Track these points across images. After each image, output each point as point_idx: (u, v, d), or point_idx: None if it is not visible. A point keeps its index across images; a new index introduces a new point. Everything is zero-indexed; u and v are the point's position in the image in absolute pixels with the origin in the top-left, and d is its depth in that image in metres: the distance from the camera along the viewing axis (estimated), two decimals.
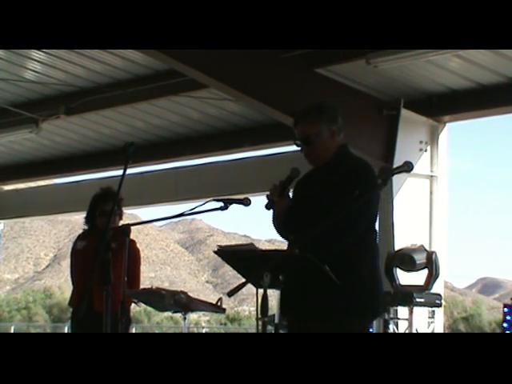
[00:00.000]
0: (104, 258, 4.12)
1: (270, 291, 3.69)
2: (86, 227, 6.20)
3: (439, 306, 8.69)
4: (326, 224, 3.63)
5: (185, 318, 5.34)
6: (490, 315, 37.28)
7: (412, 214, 9.38)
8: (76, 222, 68.98)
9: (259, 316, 3.66)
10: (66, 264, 70.61)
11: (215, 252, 4.06)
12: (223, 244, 4.49)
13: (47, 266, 72.84)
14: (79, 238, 6.28)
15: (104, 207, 6.00)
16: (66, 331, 25.52)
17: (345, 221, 3.71)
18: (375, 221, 4.07)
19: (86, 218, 6.19)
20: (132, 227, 4.52)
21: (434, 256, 8.44)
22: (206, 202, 4.38)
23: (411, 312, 8.52)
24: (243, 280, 3.72)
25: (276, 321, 3.70)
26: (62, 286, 55.95)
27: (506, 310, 7.88)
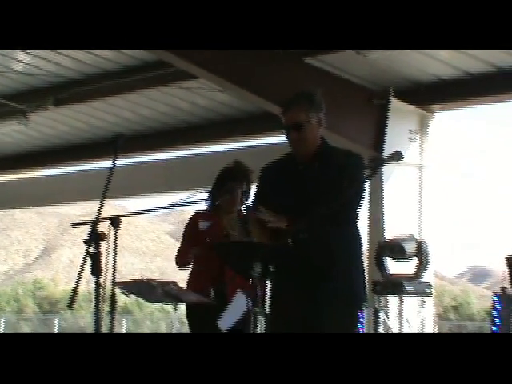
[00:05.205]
0: (95, 249, 4.09)
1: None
2: (207, 205, 5.37)
3: (429, 294, 8.72)
4: (320, 214, 3.66)
5: (175, 309, 5.33)
6: (479, 304, 37.42)
7: (402, 204, 9.40)
8: (66, 213, 68.81)
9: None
10: (56, 256, 70.45)
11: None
12: None
13: (37, 258, 72.69)
14: (199, 216, 5.48)
15: (232, 184, 5.32)
16: (56, 323, 25.48)
17: (340, 211, 3.75)
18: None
19: (210, 194, 5.33)
20: (122, 218, 4.49)
21: (423, 245, 8.46)
22: (197, 193, 4.38)
23: (401, 301, 8.55)
24: None
25: (267, 311, 3.70)
26: (52, 278, 55.83)
27: (495, 298, 7.92)
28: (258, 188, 4.22)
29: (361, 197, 3.97)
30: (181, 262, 5.63)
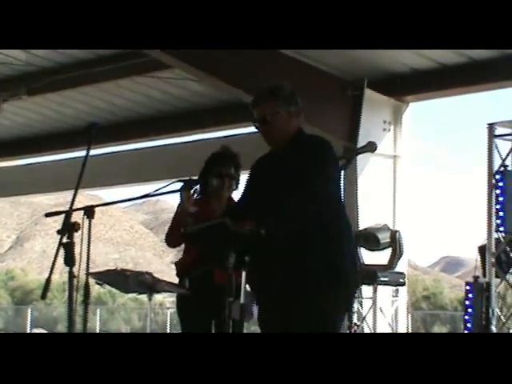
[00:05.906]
0: (69, 239, 4.06)
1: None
2: (196, 191, 4.99)
3: (403, 284, 8.78)
4: (288, 202, 3.66)
5: (150, 299, 5.32)
6: (452, 293, 37.75)
7: (376, 194, 9.44)
8: (39, 203, 68.39)
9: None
10: (28, 246, 69.96)
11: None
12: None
13: (9, 248, 72.21)
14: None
15: (220, 169, 5.24)
16: (28, 314, 25.33)
17: (306, 196, 3.75)
18: (338, 195, 4.06)
19: (198, 179, 5.19)
20: (96, 208, 4.47)
21: (397, 235, 8.50)
22: (171, 183, 4.37)
23: (375, 291, 8.60)
24: None
25: (242, 301, 3.70)
26: (24, 268, 55.49)
27: (467, 287, 7.99)
28: (245, 182, 4.23)
29: (326, 175, 3.88)
30: (170, 240, 5.49)
